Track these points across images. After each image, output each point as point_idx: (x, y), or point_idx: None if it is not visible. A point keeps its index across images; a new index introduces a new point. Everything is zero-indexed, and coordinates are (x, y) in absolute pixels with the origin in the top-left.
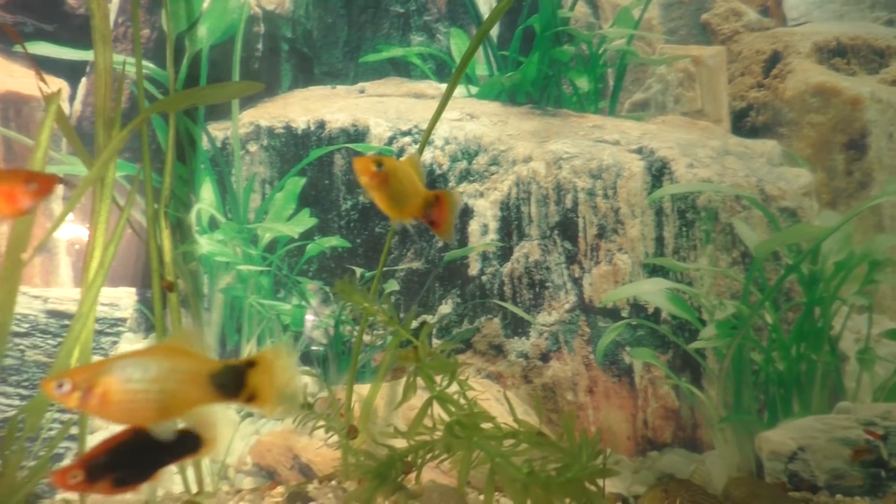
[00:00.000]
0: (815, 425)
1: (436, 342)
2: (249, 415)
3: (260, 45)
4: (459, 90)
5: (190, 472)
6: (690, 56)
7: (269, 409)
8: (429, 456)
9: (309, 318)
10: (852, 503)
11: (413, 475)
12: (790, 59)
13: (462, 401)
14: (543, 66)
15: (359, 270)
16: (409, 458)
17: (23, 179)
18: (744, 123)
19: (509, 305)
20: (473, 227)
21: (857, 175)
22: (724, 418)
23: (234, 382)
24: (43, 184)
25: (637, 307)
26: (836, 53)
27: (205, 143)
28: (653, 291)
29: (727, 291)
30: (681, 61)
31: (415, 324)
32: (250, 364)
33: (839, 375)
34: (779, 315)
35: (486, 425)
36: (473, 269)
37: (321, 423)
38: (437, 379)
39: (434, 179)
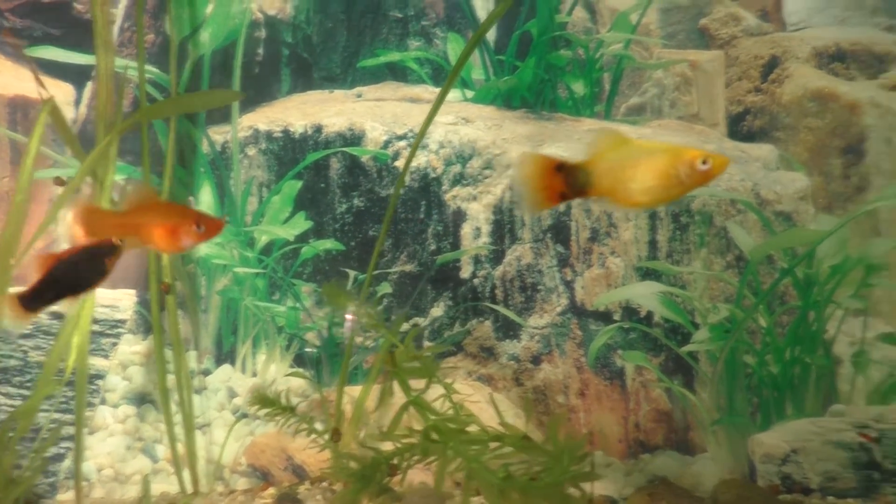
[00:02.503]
0: (809, 428)
1: (427, 344)
2: (244, 415)
3: (261, 50)
4: (455, 94)
5: (186, 473)
6: (688, 60)
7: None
8: (414, 459)
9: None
10: None
11: (399, 478)
12: (788, 64)
13: (448, 404)
14: (539, 70)
15: (352, 273)
16: (395, 461)
17: (193, 220)
18: (741, 127)
19: (501, 308)
20: (466, 230)
21: (854, 179)
22: (716, 421)
23: None
24: (210, 227)
25: (629, 310)
26: (835, 58)
27: (205, 147)
28: (645, 295)
29: (721, 295)
30: (678, 66)
31: (406, 326)
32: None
33: (833, 378)
34: (773, 318)
35: (471, 428)
36: (466, 272)
37: (304, 425)
38: (419, 383)
39: (428, 183)
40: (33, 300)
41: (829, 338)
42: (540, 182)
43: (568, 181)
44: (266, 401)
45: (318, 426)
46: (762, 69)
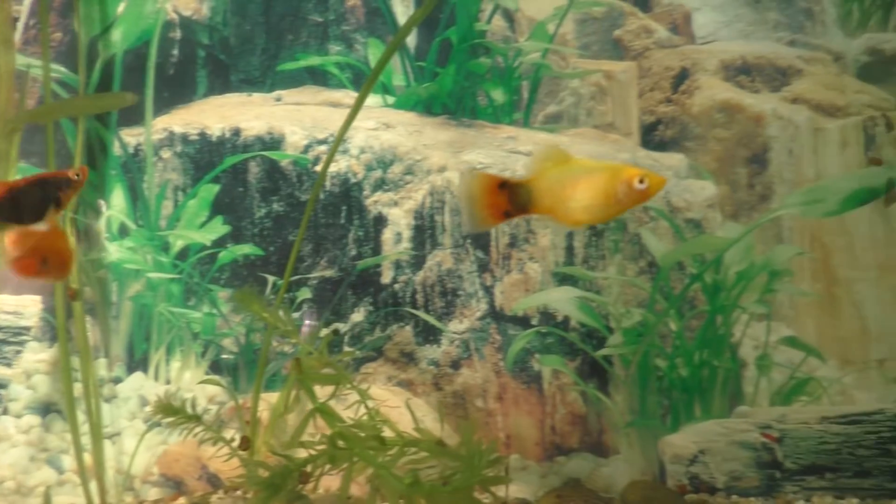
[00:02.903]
0: (716, 429)
1: (347, 350)
2: (157, 424)
3: (176, 51)
4: (376, 100)
5: (93, 485)
6: (602, 71)
7: None
8: (327, 466)
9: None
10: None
11: (312, 485)
12: (697, 76)
13: (363, 410)
14: (460, 77)
15: (271, 278)
16: (308, 468)
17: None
18: (653, 137)
19: (421, 313)
20: (387, 235)
21: (759, 188)
22: (629, 423)
23: None
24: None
25: (547, 315)
26: (741, 71)
27: (116, 149)
28: (562, 300)
29: (634, 300)
30: (593, 75)
31: (326, 332)
32: None
33: (739, 381)
34: (683, 323)
35: (386, 434)
36: (386, 278)
37: (211, 434)
38: (328, 389)
39: (348, 188)
40: None
41: (735, 341)
42: (484, 200)
43: (511, 199)
44: (170, 410)
45: (234, 434)
46: (673, 80)
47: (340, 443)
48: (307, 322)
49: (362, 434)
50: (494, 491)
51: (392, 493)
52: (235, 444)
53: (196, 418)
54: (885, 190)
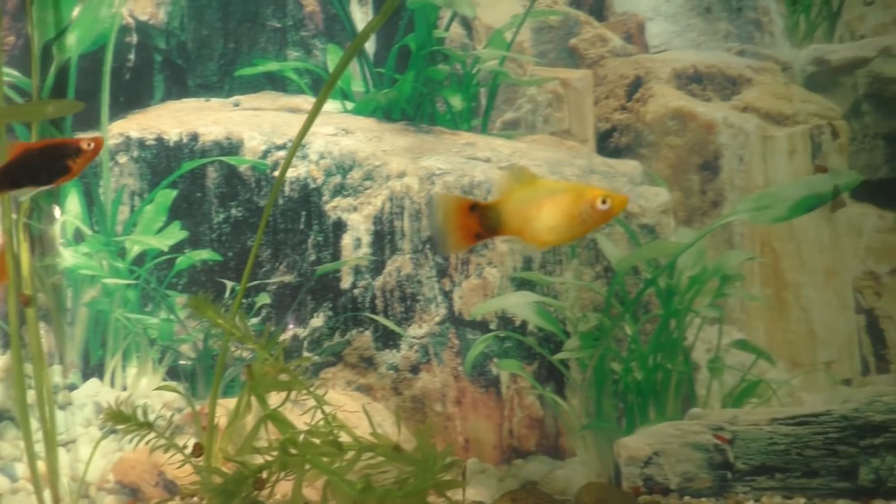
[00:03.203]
0: (669, 431)
1: (307, 355)
2: (113, 431)
3: (132, 56)
4: (335, 106)
5: (47, 492)
6: (559, 78)
7: None
8: (283, 473)
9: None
10: None
11: (267, 491)
12: (651, 84)
13: (322, 416)
14: (418, 84)
15: (230, 284)
16: (264, 474)
17: None
18: (608, 144)
19: (381, 318)
20: (346, 240)
21: (711, 195)
22: (585, 426)
23: None
24: None
25: (505, 319)
26: (693, 80)
27: None
28: (520, 304)
29: (590, 304)
30: (550, 83)
31: (284, 337)
32: None
33: (692, 383)
34: (638, 327)
35: (344, 439)
36: (346, 283)
37: (162, 441)
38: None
39: (308, 193)
40: None
41: (689, 345)
42: (455, 223)
43: (482, 221)
44: (121, 417)
45: (188, 440)
46: (627, 88)
47: (292, 449)
48: (290, 325)
49: (315, 440)
50: (450, 495)
51: (343, 498)
52: (189, 450)
53: (147, 425)
54: (831, 197)
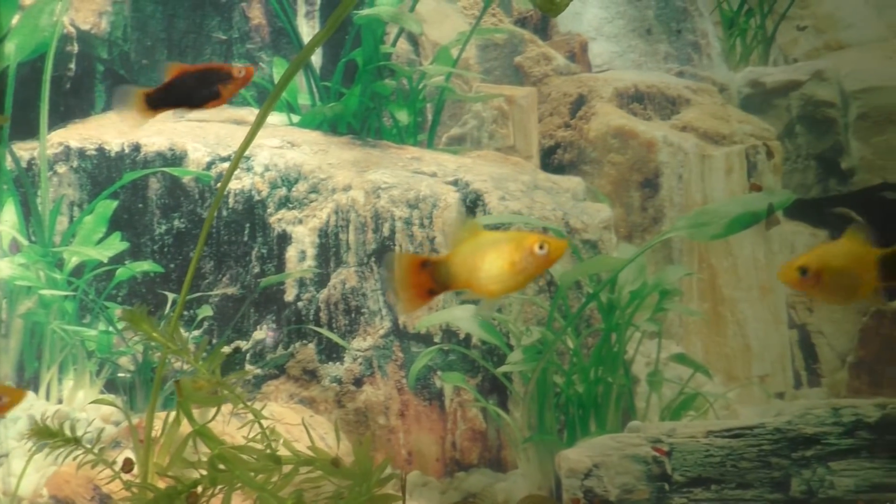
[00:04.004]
0: (609, 443)
1: (248, 368)
2: (44, 445)
3: (73, 65)
4: (281, 119)
5: None
6: (504, 95)
7: None
8: (219, 487)
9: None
10: None
11: None
12: (594, 103)
13: (256, 429)
14: (365, 98)
15: (171, 296)
16: (198, 489)
17: None
18: (552, 160)
19: (325, 331)
20: (291, 253)
21: (651, 211)
22: (527, 439)
23: None
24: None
25: (449, 333)
26: (634, 99)
27: (8, 163)
28: (464, 318)
29: (534, 318)
30: (495, 100)
31: (227, 349)
32: None
33: (631, 397)
34: (580, 340)
35: (283, 453)
36: (290, 295)
37: (90, 456)
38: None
39: (252, 206)
40: (156, 100)
41: (629, 358)
42: (409, 281)
43: (434, 277)
44: (47, 432)
45: (119, 455)
46: (571, 106)
47: (221, 465)
48: (269, 333)
49: (250, 455)
50: None
51: None
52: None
53: (75, 440)
54: (766, 215)
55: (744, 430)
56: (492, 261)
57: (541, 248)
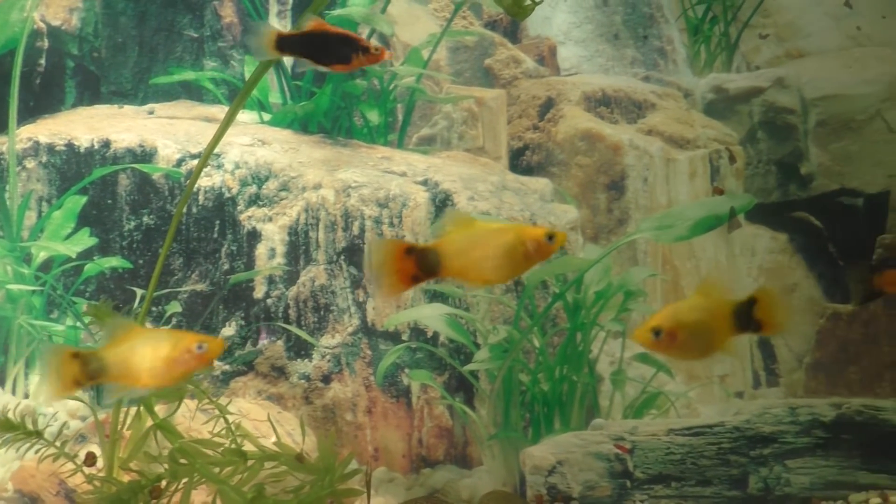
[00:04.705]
0: (573, 441)
1: (217, 364)
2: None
3: (43, 61)
4: (252, 117)
5: None
6: (474, 97)
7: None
8: (183, 481)
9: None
10: None
11: (166, 501)
12: (562, 106)
13: (222, 424)
14: (336, 97)
15: (139, 291)
16: (162, 484)
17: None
18: (520, 162)
19: (293, 328)
20: (261, 250)
21: (617, 213)
22: (492, 436)
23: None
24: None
25: (417, 331)
26: (601, 103)
27: None
28: (432, 316)
29: (500, 317)
30: (465, 101)
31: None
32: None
33: (595, 395)
34: (545, 339)
35: (248, 448)
36: (259, 293)
37: (51, 450)
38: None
39: (223, 203)
40: (288, 43)
41: (593, 357)
42: (392, 266)
43: (419, 264)
44: (8, 426)
45: (81, 449)
46: (539, 109)
47: (182, 459)
48: (263, 336)
49: (207, 449)
50: (349, 503)
51: None
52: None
53: (37, 434)
54: (728, 218)
55: (704, 429)
56: (493, 250)
57: (550, 238)
